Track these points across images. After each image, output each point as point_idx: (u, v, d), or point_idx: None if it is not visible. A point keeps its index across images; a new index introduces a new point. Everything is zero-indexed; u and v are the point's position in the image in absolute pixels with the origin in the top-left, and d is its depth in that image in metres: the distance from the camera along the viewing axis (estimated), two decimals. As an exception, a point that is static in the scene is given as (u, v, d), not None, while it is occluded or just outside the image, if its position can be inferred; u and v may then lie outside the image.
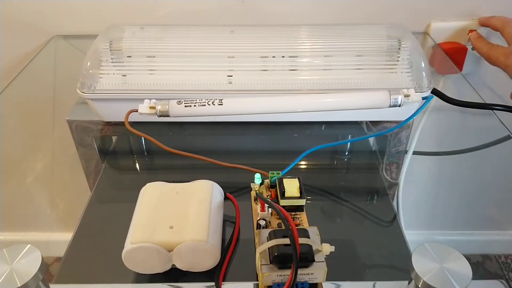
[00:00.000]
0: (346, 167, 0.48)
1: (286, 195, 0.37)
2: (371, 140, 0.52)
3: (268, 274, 0.31)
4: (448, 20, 0.73)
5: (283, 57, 0.49)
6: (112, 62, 0.49)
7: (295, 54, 0.49)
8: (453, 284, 0.28)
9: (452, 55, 0.71)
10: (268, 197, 0.38)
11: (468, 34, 0.73)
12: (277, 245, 0.31)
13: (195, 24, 0.69)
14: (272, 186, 0.39)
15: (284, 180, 0.38)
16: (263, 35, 0.51)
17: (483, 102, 0.57)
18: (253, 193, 0.40)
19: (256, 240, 0.34)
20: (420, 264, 0.29)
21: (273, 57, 0.49)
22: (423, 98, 0.46)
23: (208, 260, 0.34)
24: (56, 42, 0.73)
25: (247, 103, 0.44)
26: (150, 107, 0.43)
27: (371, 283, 0.35)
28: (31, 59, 0.69)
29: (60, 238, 0.40)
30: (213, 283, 0.34)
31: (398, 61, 0.49)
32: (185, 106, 0.43)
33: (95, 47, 0.49)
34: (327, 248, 0.32)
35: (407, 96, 0.44)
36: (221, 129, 0.52)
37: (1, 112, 0.58)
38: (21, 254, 0.29)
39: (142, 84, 0.48)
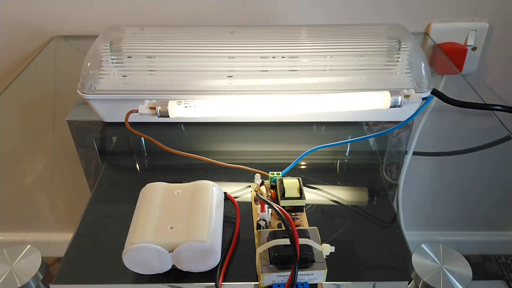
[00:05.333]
0: (346, 167, 0.48)
1: (286, 195, 0.37)
2: (371, 140, 0.52)
3: (268, 274, 0.31)
4: (448, 21, 0.73)
5: (283, 57, 0.49)
6: (112, 63, 0.49)
7: (295, 55, 0.49)
8: (453, 284, 0.28)
9: (452, 55, 0.71)
10: (268, 197, 0.38)
11: (468, 34, 0.73)
12: (277, 246, 0.32)
13: (195, 24, 0.69)
14: (272, 186, 0.40)
15: (284, 181, 0.38)
16: (263, 35, 0.51)
17: (483, 102, 0.57)
18: (253, 193, 0.40)
19: (256, 241, 0.34)
20: (420, 265, 0.29)
21: (273, 57, 0.49)
22: (423, 99, 0.46)
23: (208, 260, 0.34)
24: (56, 42, 0.73)
25: (247, 103, 0.44)
26: (150, 108, 0.43)
27: (371, 283, 0.35)
28: (31, 59, 0.69)
29: (60, 238, 0.40)
30: (213, 283, 0.34)
31: (398, 61, 0.49)
32: (185, 107, 0.43)
33: (95, 47, 0.49)
34: (327, 248, 0.32)
35: (407, 96, 0.44)
36: (221, 129, 0.52)
37: (1, 112, 0.58)
38: (21, 254, 0.29)
39: (142, 84, 0.48)
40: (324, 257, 0.32)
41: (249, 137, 0.52)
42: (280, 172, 0.40)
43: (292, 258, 0.31)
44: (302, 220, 0.37)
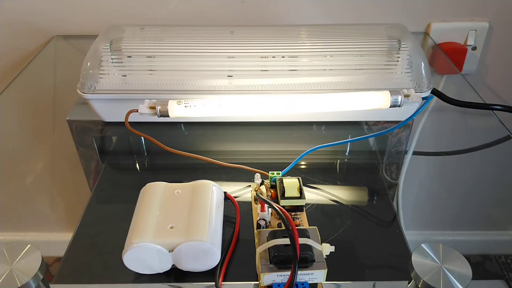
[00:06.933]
0: (346, 167, 0.48)
1: (286, 195, 0.37)
2: (371, 140, 0.52)
3: (268, 274, 0.31)
4: (448, 20, 0.73)
5: (283, 57, 0.49)
6: (112, 62, 0.49)
7: (295, 54, 0.49)
8: (453, 284, 0.28)
9: (452, 55, 0.71)
10: (268, 197, 0.38)
11: (468, 34, 0.73)
12: (277, 245, 0.32)
13: (195, 24, 0.69)
14: (272, 186, 0.40)
15: (284, 180, 0.38)
16: (263, 35, 0.51)
17: (483, 102, 0.57)
18: (253, 193, 0.40)
19: (256, 240, 0.34)
20: (420, 264, 0.29)
21: (273, 57, 0.49)
22: (423, 98, 0.46)
23: (208, 260, 0.34)
24: (56, 42, 0.73)
25: (247, 103, 0.44)
26: (150, 107, 0.43)
27: (371, 283, 0.35)
28: (31, 59, 0.69)
29: (60, 238, 0.40)
30: (213, 283, 0.34)
31: (398, 61, 0.49)
32: (185, 107, 0.43)
33: (95, 47, 0.49)
34: (327, 248, 0.32)
35: (407, 96, 0.44)
36: (221, 129, 0.52)
37: (1, 112, 0.58)
38: (21, 254, 0.29)
39: (142, 84, 0.48)
40: (324, 256, 0.32)
41: (249, 137, 0.52)
42: (280, 172, 0.40)
43: (292, 258, 0.31)
44: (302, 220, 0.37)
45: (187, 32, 0.52)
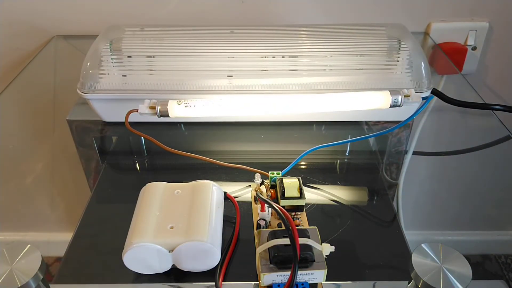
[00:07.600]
0: (346, 167, 0.48)
1: (286, 195, 0.37)
2: (371, 140, 0.52)
3: (268, 274, 0.31)
4: (448, 20, 0.73)
5: (283, 57, 0.49)
6: (112, 62, 0.49)
7: (295, 54, 0.49)
8: (453, 284, 0.28)
9: (452, 55, 0.71)
10: (268, 197, 0.38)
11: (468, 34, 0.73)
12: (277, 245, 0.32)
13: (195, 24, 0.69)
14: (272, 186, 0.40)
15: (284, 180, 0.38)
16: (263, 35, 0.51)
17: (483, 102, 0.57)
18: (253, 193, 0.40)
19: (256, 240, 0.34)
20: (420, 264, 0.29)
21: (273, 57, 0.49)
22: (423, 98, 0.46)
23: (208, 260, 0.34)
24: (56, 42, 0.73)
25: (247, 103, 0.44)
26: (150, 107, 0.43)
27: (371, 283, 0.35)
28: (31, 59, 0.69)
29: (60, 238, 0.40)
30: (213, 283, 0.34)
31: (398, 61, 0.49)
32: (185, 107, 0.43)
33: (95, 47, 0.49)
34: (327, 248, 0.32)
35: (407, 96, 0.44)
36: (221, 129, 0.52)
37: (1, 112, 0.58)
38: (21, 254, 0.29)
39: (142, 84, 0.48)
40: (324, 256, 0.32)
41: (249, 137, 0.52)
42: (280, 172, 0.40)
43: (292, 258, 0.31)
44: (302, 220, 0.37)
45: (187, 32, 0.52)
